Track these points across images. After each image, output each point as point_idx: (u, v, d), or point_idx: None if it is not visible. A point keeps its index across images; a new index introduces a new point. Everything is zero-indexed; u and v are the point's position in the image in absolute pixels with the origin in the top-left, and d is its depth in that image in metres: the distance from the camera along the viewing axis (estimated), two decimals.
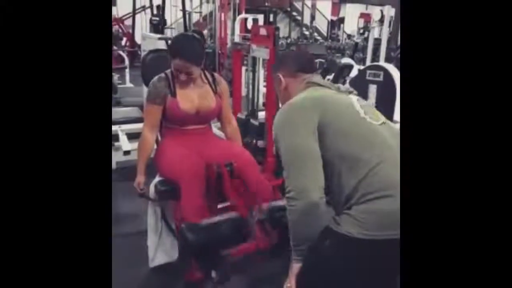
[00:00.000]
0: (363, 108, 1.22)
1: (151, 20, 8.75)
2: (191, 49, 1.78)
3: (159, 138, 2.06)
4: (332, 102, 1.20)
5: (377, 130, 1.16)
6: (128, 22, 10.53)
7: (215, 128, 2.22)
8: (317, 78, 1.33)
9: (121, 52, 8.12)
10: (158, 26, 9.25)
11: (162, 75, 1.88)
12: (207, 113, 1.93)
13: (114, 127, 3.11)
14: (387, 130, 1.19)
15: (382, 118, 1.23)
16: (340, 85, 1.34)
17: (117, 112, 3.67)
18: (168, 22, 10.48)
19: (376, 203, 1.06)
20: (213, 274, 1.62)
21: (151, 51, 2.28)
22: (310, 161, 1.11)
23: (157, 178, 1.93)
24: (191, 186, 1.72)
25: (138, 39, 9.06)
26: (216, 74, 2.03)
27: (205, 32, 10.65)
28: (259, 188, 1.81)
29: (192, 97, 1.87)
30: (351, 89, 1.33)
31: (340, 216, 1.11)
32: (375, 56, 5.54)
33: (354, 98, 1.26)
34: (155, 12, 9.39)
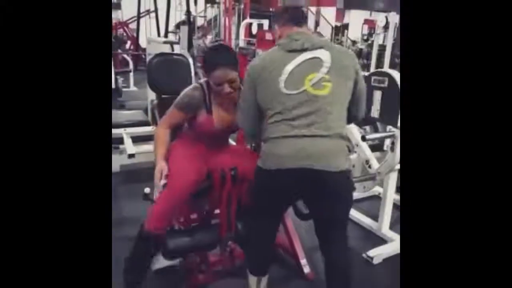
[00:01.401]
0: (294, 70, 1.48)
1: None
2: (228, 56, 1.71)
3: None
4: (269, 68, 1.52)
5: (286, 96, 1.47)
6: (133, 25, 10.59)
7: None
8: (289, 34, 1.57)
9: (125, 56, 8.16)
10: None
11: (197, 85, 1.81)
12: (233, 126, 1.89)
13: (118, 130, 3.12)
14: (303, 97, 1.46)
15: (309, 83, 1.47)
16: (298, 41, 1.52)
17: (122, 115, 3.69)
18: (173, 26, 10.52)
19: (265, 145, 1.53)
20: None
21: (157, 55, 2.29)
22: (246, 109, 1.61)
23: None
24: (170, 192, 1.70)
25: (142, 42, 9.10)
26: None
27: (209, 37, 10.69)
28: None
29: (225, 113, 1.84)
30: (308, 45, 1.51)
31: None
32: (380, 63, 5.55)
33: (296, 60, 1.49)
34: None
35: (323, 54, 1.50)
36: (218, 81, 1.70)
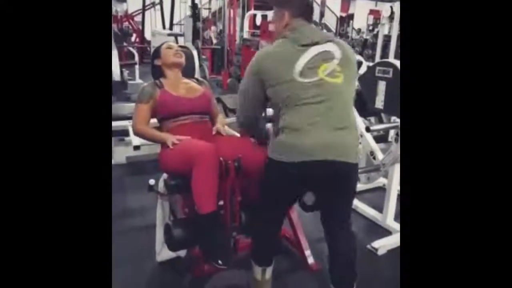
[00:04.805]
0: (309, 62, 1.49)
1: None
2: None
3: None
4: (280, 62, 1.51)
5: (302, 86, 1.47)
6: (138, 18, 10.59)
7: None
8: (299, 28, 1.57)
9: (131, 48, 8.16)
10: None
11: (150, 82, 2.05)
12: (198, 99, 2.03)
13: (124, 122, 3.14)
14: (319, 85, 1.47)
15: (323, 73, 1.49)
16: (309, 36, 1.53)
17: (127, 107, 3.70)
18: (178, 19, 10.51)
19: (282, 136, 1.49)
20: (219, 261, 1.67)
21: None
22: (251, 101, 1.62)
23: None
24: (207, 167, 1.68)
25: (147, 35, 9.10)
26: (200, 79, 2.23)
27: (213, 28, 10.65)
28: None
29: (179, 89, 2.03)
30: (318, 39, 1.52)
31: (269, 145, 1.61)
32: (384, 53, 5.51)
33: (308, 53, 1.50)
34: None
35: (332, 48, 1.53)
36: (167, 47, 2.09)
